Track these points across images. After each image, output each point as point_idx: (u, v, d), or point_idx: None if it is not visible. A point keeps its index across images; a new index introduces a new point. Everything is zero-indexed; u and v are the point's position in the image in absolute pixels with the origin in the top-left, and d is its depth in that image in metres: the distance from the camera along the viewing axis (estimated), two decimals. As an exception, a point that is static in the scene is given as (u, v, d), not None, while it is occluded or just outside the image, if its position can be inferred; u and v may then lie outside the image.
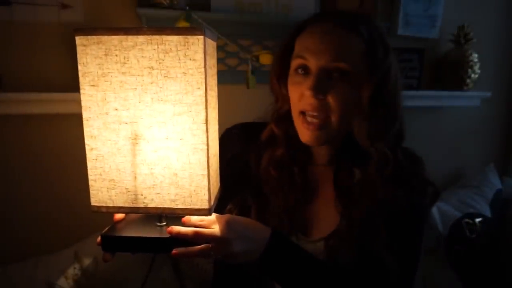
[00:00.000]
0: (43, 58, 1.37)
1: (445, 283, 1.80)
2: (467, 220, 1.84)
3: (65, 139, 1.44)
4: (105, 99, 0.66)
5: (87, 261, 1.38)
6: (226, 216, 0.77)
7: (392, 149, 0.90)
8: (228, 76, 1.62)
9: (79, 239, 1.44)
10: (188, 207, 0.70)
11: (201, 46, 0.62)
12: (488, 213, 1.92)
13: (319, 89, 0.83)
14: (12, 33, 1.32)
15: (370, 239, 0.88)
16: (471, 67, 1.92)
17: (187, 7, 1.38)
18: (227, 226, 0.74)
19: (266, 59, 1.53)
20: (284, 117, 0.95)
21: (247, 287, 0.99)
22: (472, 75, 1.93)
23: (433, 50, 2.00)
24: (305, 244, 0.91)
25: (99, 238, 0.73)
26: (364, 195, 0.90)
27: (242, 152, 0.99)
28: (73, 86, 1.35)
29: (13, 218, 1.45)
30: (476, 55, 1.93)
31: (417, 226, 0.96)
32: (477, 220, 1.85)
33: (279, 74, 0.94)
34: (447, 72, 1.96)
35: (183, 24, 1.34)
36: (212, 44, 0.70)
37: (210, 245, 0.72)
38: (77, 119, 1.38)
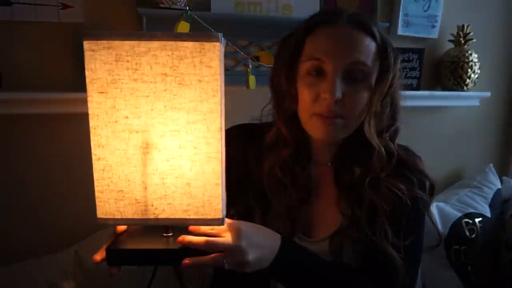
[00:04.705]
0: (43, 58, 1.35)
1: (445, 283, 1.80)
2: (467, 220, 1.84)
3: (65, 139, 1.42)
4: (115, 107, 0.63)
5: (87, 261, 1.35)
6: (237, 223, 0.75)
7: (392, 143, 0.93)
8: (226, 76, 1.59)
9: (79, 239, 1.42)
10: (201, 217, 0.68)
11: (217, 53, 0.60)
12: (488, 213, 1.92)
13: (337, 92, 0.82)
14: (12, 33, 1.31)
15: (375, 236, 0.88)
16: (471, 67, 1.91)
17: (187, 7, 1.36)
18: (240, 234, 0.72)
19: (266, 59, 1.52)
20: (291, 117, 0.94)
21: None
22: (472, 75, 1.93)
23: (433, 50, 2.00)
24: (308, 244, 0.91)
25: (103, 253, 0.70)
26: (367, 192, 0.89)
27: (242, 154, 0.98)
28: (73, 86, 1.36)
29: (13, 218, 1.43)
30: (476, 55, 1.92)
31: (420, 221, 0.96)
32: (477, 220, 1.85)
33: (288, 74, 0.93)
34: (447, 72, 1.95)
35: (183, 24, 1.32)
36: (223, 51, 0.68)
37: (223, 254, 0.70)
38: (77, 119, 1.38)
